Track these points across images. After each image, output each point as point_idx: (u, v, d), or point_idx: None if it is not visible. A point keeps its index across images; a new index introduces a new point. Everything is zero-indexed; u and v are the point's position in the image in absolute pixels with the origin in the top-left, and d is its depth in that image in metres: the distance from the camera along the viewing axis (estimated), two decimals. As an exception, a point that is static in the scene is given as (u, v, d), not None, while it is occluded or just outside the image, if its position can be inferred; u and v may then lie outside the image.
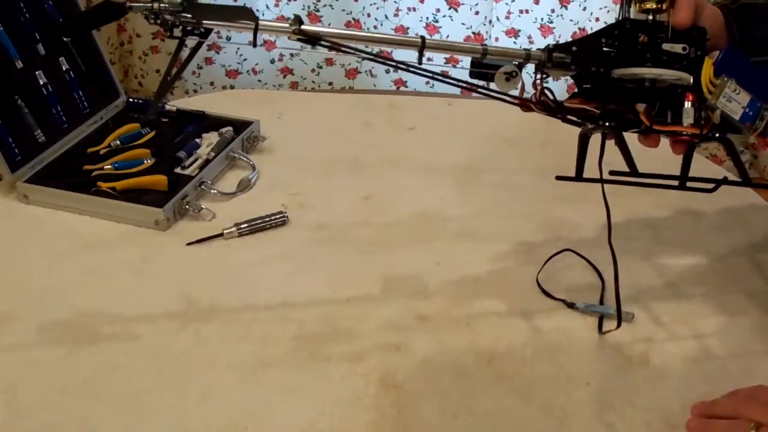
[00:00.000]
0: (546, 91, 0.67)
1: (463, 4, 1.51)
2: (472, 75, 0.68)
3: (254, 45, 0.62)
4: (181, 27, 0.60)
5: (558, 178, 0.68)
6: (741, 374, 0.70)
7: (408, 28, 1.54)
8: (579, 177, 0.68)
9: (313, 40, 0.63)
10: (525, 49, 0.66)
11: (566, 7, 1.51)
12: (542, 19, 1.53)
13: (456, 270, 0.83)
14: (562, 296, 0.78)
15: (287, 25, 0.63)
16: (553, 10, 1.54)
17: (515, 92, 0.68)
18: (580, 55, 0.65)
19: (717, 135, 0.66)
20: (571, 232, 0.89)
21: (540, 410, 0.66)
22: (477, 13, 1.50)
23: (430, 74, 0.68)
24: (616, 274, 0.68)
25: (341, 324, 0.75)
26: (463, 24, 1.51)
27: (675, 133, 0.65)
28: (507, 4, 1.56)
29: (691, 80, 0.65)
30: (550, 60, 0.66)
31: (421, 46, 0.65)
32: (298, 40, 0.63)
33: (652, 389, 0.68)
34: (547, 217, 0.92)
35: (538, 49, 0.66)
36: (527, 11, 1.56)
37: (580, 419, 0.65)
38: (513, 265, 0.84)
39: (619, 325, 0.71)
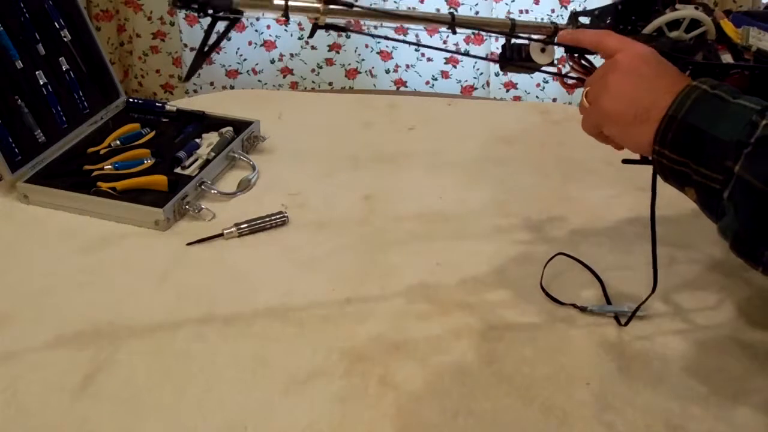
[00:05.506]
0: (583, 62, 0.67)
1: (463, 4, 1.52)
2: (502, 67, 0.70)
3: (287, 19, 0.63)
4: (212, 9, 0.61)
5: (624, 161, 0.68)
6: (742, 375, 0.70)
7: (408, 28, 1.54)
8: (646, 159, 0.68)
9: (339, 26, 0.64)
10: (552, 22, 0.68)
11: (566, 7, 1.51)
12: (542, 19, 1.54)
13: (456, 270, 0.83)
14: (565, 299, 0.78)
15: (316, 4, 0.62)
16: (553, 10, 1.54)
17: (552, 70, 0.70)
18: (602, 18, 0.67)
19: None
20: (569, 232, 0.89)
21: (540, 410, 0.66)
22: (477, 13, 1.50)
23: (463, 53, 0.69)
24: (655, 259, 0.69)
25: (341, 324, 0.75)
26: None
27: (725, 68, 0.66)
28: (507, 4, 1.57)
29: (713, 28, 0.66)
30: (575, 25, 0.67)
31: (452, 21, 0.65)
32: (326, 26, 0.63)
33: (653, 390, 0.68)
34: (546, 217, 0.92)
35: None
36: (527, 11, 1.56)
37: (580, 419, 0.65)
38: (513, 265, 0.84)
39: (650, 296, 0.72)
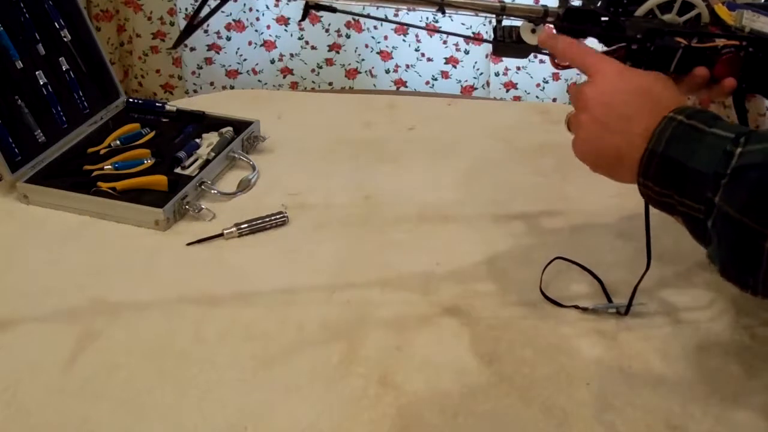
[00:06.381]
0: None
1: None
2: (495, 50, 0.71)
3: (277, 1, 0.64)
4: None
5: None
6: (742, 375, 0.70)
7: (408, 27, 1.54)
8: None
9: (327, 6, 0.64)
10: (543, 5, 0.68)
11: (567, 8, 1.51)
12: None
13: (456, 270, 0.83)
14: (565, 299, 0.78)
15: None
16: (553, 11, 1.54)
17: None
18: (593, 1, 0.67)
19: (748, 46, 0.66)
20: (569, 232, 0.89)
21: (540, 410, 0.66)
22: (477, 13, 1.50)
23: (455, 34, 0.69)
24: (648, 236, 0.70)
25: (341, 324, 0.75)
26: (462, 24, 1.51)
27: (715, 52, 0.66)
28: (506, 18, 1.56)
29: (707, 11, 0.67)
30: (567, 11, 0.66)
31: (441, 2, 0.65)
32: (315, 6, 0.63)
33: (653, 389, 0.68)
34: (546, 217, 0.92)
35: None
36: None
37: (580, 419, 0.65)
38: (513, 264, 0.84)
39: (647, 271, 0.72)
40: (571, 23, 0.67)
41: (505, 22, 0.70)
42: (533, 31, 0.68)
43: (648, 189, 0.58)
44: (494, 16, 0.68)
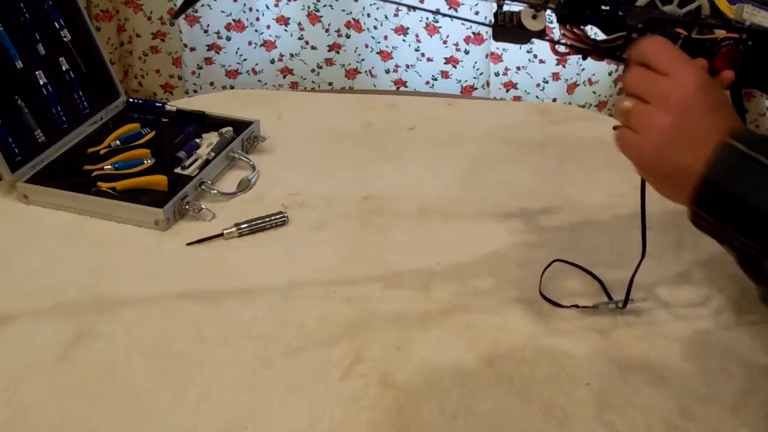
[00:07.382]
0: (576, 30, 0.67)
1: (463, 4, 1.51)
2: (495, 35, 0.70)
3: None
4: None
5: None
6: (743, 375, 0.70)
7: (408, 28, 1.54)
8: None
9: None
10: None
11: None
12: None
13: (456, 270, 0.83)
14: (565, 299, 0.78)
15: None
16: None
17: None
18: None
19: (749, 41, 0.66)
20: (569, 233, 0.89)
21: (540, 410, 0.66)
22: (477, 13, 1.50)
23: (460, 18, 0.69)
24: (644, 223, 0.71)
25: (341, 324, 0.75)
26: (463, 24, 1.51)
27: (714, 44, 0.66)
28: (507, 4, 1.56)
29: (707, 3, 0.66)
30: None
31: None
32: None
33: (653, 389, 0.68)
34: (546, 218, 0.92)
35: None
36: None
37: (580, 419, 0.65)
38: (513, 265, 0.84)
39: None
40: (572, 10, 0.66)
41: (506, 9, 0.70)
42: (534, 17, 0.67)
43: (700, 218, 0.54)
44: (495, 1, 0.68)
